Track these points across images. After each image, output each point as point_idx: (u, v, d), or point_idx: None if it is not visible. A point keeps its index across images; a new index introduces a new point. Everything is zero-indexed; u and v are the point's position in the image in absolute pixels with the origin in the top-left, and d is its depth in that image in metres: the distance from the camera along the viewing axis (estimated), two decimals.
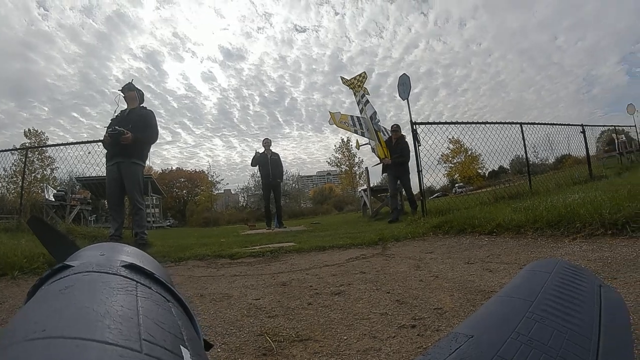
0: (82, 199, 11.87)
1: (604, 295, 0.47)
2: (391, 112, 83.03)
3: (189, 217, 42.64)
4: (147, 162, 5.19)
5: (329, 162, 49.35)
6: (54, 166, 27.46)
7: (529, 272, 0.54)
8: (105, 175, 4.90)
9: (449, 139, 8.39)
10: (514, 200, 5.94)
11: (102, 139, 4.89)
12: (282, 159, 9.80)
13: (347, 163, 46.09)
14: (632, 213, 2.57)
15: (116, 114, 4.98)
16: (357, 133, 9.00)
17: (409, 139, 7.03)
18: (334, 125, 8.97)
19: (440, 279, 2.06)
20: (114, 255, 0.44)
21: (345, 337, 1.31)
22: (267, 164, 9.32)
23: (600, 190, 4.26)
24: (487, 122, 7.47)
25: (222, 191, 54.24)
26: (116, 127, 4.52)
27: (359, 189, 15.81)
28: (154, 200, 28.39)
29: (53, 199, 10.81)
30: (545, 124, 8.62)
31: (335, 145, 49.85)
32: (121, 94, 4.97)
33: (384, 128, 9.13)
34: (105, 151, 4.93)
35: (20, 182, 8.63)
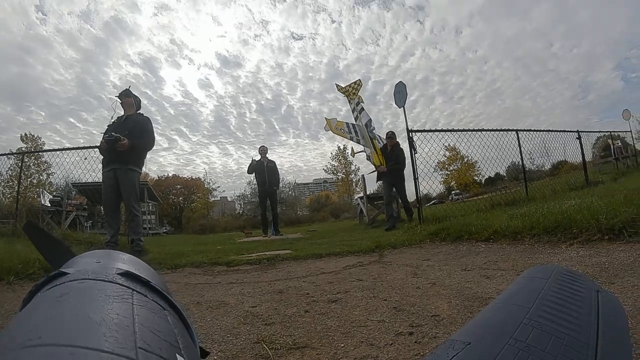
0: (78, 205, 11.80)
1: (602, 300, 0.47)
2: (387, 120, 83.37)
3: (185, 224, 42.48)
4: (144, 169, 5.18)
5: (325, 170, 49.60)
6: (50, 171, 27.35)
7: (526, 279, 0.54)
8: (101, 181, 4.88)
9: (445, 146, 8.45)
10: (511, 206, 5.96)
11: (98, 145, 4.88)
12: (278, 167, 9.83)
13: (344, 171, 46.22)
14: (629, 218, 2.58)
15: (113, 120, 4.97)
16: (352, 140, 9.01)
17: (405, 146, 7.04)
18: (330, 132, 8.97)
19: (437, 286, 2.06)
20: (110, 262, 0.44)
21: (342, 345, 1.30)
22: (264, 171, 9.32)
23: (596, 195, 4.28)
24: (483, 130, 7.51)
25: (219, 198, 54.09)
26: (113, 133, 4.51)
27: (356, 197, 15.81)
28: (150, 207, 28.20)
29: (49, 204, 10.74)
30: (541, 130, 8.68)
31: (331, 153, 50.16)
32: (118, 100, 4.97)
33: (379, 136, 9.14)
34: (102, 157, 4.91)
35: (16, 187, 8.58)
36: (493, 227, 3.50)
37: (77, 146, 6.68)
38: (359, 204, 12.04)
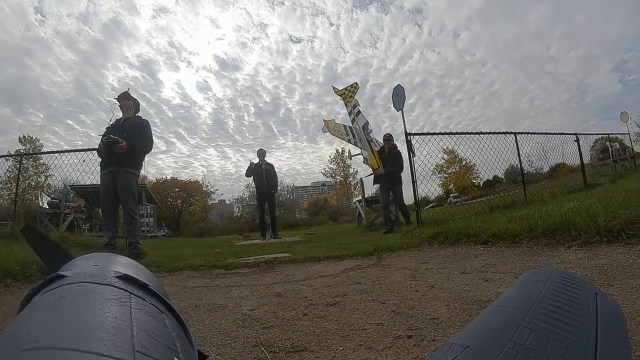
0: (76, 207, 11.80)
1: (600, 303, 0.47)
2: (386, 123, 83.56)
3: (183, 227, 42.39)
4: (142, 172, 5.17)
5: (323, 173, 49.47)
6: (48, 173, 27.33)
7: (524, 282, 0.55)
8: (99, 183, 4.87)
9: (444, 149, 8.43)
10: (509, 209, 5.96)
11: (97, 147, 4.88)
12: (276, 170, 9.82)
13: (342, 174, 46.15)
14: (627, 220, 2.58)
15: (111, 123, 4.96)
16: (350, 142, 9.03)
17: (404, 149, 7.03)
18: (328, 134, 9.00)
19: (436, 289, 2.05)
20: (108, 265, 0.44)
21: (341, 348, 1.30)
22: (262, 174, 9.32)
23: (595, 198, 4.29)
24: (481, 132, 7.53)
25: (217, 201, 54.05)
26: (111, 136, 4.50)
27: (354, 200, 15.82)
28: (148, 210, 28.19)
29: (47, 207, 10.74)
30: (539, 133, 8.71)
31: (330, 156, 50.11)
32: (117, 102, 4.96)
33: (375, 139, 9.15)
34: (100, 160, 4.90)
35: (14, 189, 8.56)
36: (491, 230, 3.51)
37: (75, 148, 6.69)
38: (357, 207, 12.04)
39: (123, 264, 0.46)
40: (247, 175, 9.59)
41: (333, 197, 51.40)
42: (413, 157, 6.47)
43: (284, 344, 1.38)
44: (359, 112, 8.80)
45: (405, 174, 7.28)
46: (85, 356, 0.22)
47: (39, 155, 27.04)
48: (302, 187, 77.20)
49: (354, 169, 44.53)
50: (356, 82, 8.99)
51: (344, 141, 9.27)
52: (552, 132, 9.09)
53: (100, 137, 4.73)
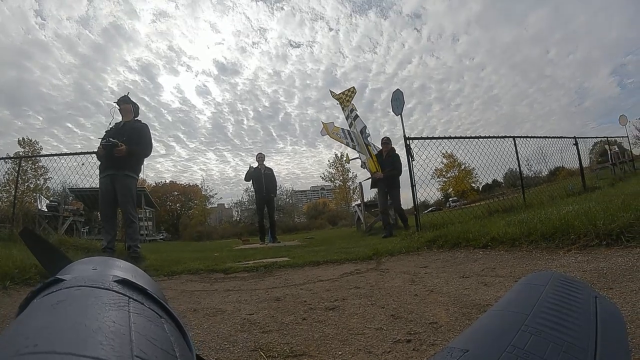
0: (75, 210, 11.78)
1: (600, 306, 0.47)
2: (385, 127, 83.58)
3: (182, 231, 42.31)
4: (141, 175, 5.17)
5: (322, 177, 49.60)
6: (47, 176, 27.34)
7: (524, 285, 0.54)
8: (98, 187, 4.86)
9: (443, 153, 8.43)
10: (508, 213, 5.96)
11: (96, 150, 4.88)
12: (275, 174, 9.82)
13: (341, 178, 46.25)
14: (627, 223, 2.58)
15: (111, 126, 4.97)
16: (349, 146, 9.03)
17: (403, 153, 7.03)
18: (327, 138, 9.03)
19: (435, 293, 2.05)
20: (106, 269, 0.44)
21: (340, 353, 1.30)
22: (261, 178, 9.32)
23: (594, 201, 4.29)
24: (480, 137, 7.54)
25: (216, 205, 54.10)
26: (110, 139, 4.50)
27: (353, 204, 15.80)
28: (147, 214, 28.19)
29: (46, 210, 10.72)
30: (538, 137, 8.73)
31: (329, 161, 50.22)
32: (116, 106, 4.97)
33: (374, 144, 9.15)
34: (99, 163, 4.90)
35: (13, 191, 8.55)
36: (490, 234, 3.51)
37: (74, 151, 6.67)
38: (356, 211, 12.04)
39: (122, 268, 0.46)
40: (246, 179, 9.59)
41: (332, 201, 51.43)
42: (412, 161, 6.47)
43: (282, 348, 1.37)
44: (357, 116, 8.82)
45: (405, 178, 7.28)
46: None
47: (38, 158, 27.20)
48: (301, 191, 77.19)
49: (353, 173, 44.64)
50: (353, 87, 9.01)
51: (343, 144, 9.28)
52: (551, 135, 9.11)
53: (100, 140, 4.73)
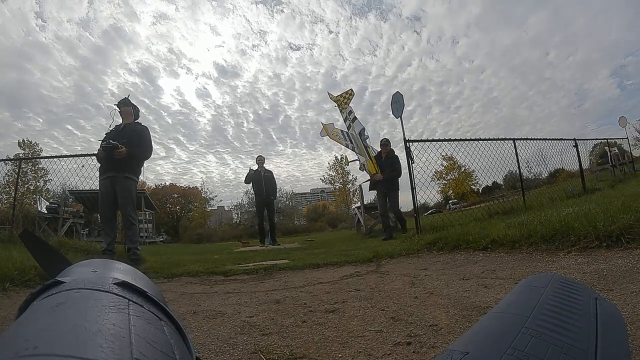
0: (74, 212, 11.79)
1: (600, 308, 0.47)
2: (385, 130, 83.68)
3: (182, 233, 42.25)
4: (141, 177, 5.17)
5: (322, 180, 49.55)
6: (47, 178, 27.30)
7: (524, 287, 0.54)
8: (98, 189, 4.86)
9: (443, 155, 8.43)
10: (508, 215, 5.96)
11: (96, 152, 4.88)
12: (275, 177, 9.82)
13: (341, 180, 46.20)
14: (627, 224, 2.58)
15: (111, 129, 4.97)
16: (348, 147, 9.02)
17: (402, 156, 7.02)
18: (326, 140, 9.05)
19: (435, 295, 2.05)
20: (106, 272, 0.44)
21: (340, 355, 1.29)
22: (261, 181, 9.31)
23: (594, 203, 4.28)
24: (480, 139, 7.54)
25: (216, 208, 54.01)
26: (110, 141, 4.51)
27: (353, 207, 15.81)
28: (147, 216, 28.13)
29: (45, 211, 10.72)
30: (538, 139, 8.72)
31: (328, 163, 50.28)
32: (117, 108, 4.97)
33: (372, 147, 9.13)
34: (99, 165, 4.90)
35: (13, 193, 8.56)
36: (490, 236, 3.50)
37: (74, 153, 6.67)
38: (356, 213, 12.03)
39: (122, 271, 0.46)
40: (246, 181, 9.59)
41: (332, 203, 51.39)
42: (412, 163, 6.47)
43: (282, 351, 1.37)
44: (355, 118, 8.81)
45: (405, 181, 7.26)
46: None
47: (38, 160, 27.13)
48: (301, 193, 77.28)
49: (352, 175, 44.60)
50: (351, 89, 9.00)
51: (342, 146, 9.27)
52: (551, 137, 9.11)
53: (100, 142, 4.73)
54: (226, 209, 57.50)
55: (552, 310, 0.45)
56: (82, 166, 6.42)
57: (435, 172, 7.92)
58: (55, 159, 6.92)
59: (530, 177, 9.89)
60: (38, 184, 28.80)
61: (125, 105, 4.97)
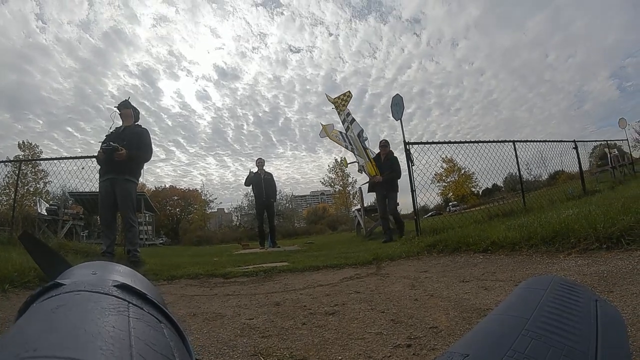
0: (74, 214, 11.79)
1: (600, 310, 0.47)
2: (385, 133, 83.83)
3: (182, 236, 42.19)
4: (141, 179, 5.17)
5: (322, 182, 49.43)
6: (47, 180, 27.32)
7: (524, 290, 0.54)
8: (98, 191, 4.86)
9: (442, 158, 8.42)
10: (508, 217, 5.96)
11: (96, 154, 4.88)
12: (275, 179, 9.82)
13: (341, 183, 46.13)
14: (627, 226, 2.58)
15: (111, 131, 4.98)
16: (347, 149, 9.00)
17: (402, 158, 7.00)
18: (326, 141, 9.04)
19: (435, 297, 2.05)
20: (106, 274, 0.44)
21: (340, 358, 1.29)
22: (261, 183, 9.31)
23: (594, 204, 4.28)
24: (480, 141, 7.57)
25: (216, 210, 53.97)
26: (111, 143, 4.51)
27: (353, 209, 15.80)
28: (147, 218, 28.13)
29: (45, 213, 10.72)
30: (537, 141, 8.75)
31: (328, 166, 50.10)
32: (117, 111, 4.98)
33: (370, 149, 9.10)
34: (99, 167, 4.90)
35: (12, 195, 8.57)
36: (490, 239, 3.50)
37: (74, 155, 6.69)
38: (356, 216, 12.03)
39: (121, 273, 0.46)
40: (246, 184, 9.59)
41: (332, 206, 51.29)
42: (412, 166, 6.46)
43: (282, 353, 1.37)
44: (353, 120, 8.78)
45: (405, 183, 7.24)
46: None
47: (38, 162, 27.13)
48: (301, 196, 77.23)
49: (352, 178, 44.54)
50: (349, 91, 8.97)
51: (342, 147, 9.25)
52: (551, 139, 9.13)
53: (100, 144, 4.74)
54: (226, 211, 57.48)
55: (552, 312, 0.45)
56: (82, 168, 6.43)
57: (435, 174, 7.92)
58: (55, 161, 6.93)
59: (530, 179, 9.90)
60: (38, 185, 28.80)
61: (126, 108, 4.98)
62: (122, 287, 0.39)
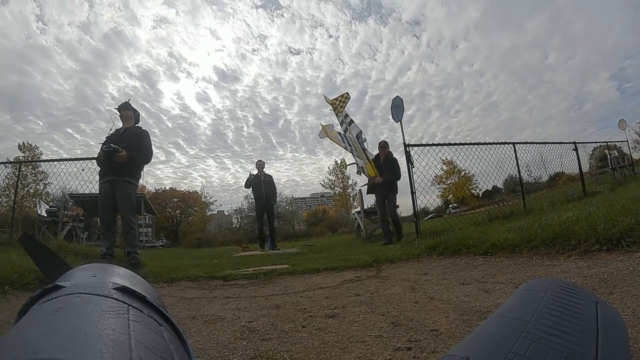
0: (74, 216, 11.75)
1: (601, 312, 0.46)
2: (385, 134, 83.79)
3: (181, 238, 42.18)
4: (141, 181, 5.17)
5: (322, 184, 49.50)
6: (47, 181, 27.31)
7: (524, 292, 0.54)
8: (98, 192, 4.86)
9: (443, 160, 8.41)
10: (508, 219, 5.94)
11: (96, 156, 4.88)
12: (275, 181, 9.81)
13: (341, 185, 46.16)
14: (627, 228, 2.58)
15: (111, 132, 4.98)
16: (347, 150, 8.99)
17: (402, 160, 7.00)
18: (326, 144, 9.03)
19: (435, 300, 2.04)
20: (106, 276, 0.44)
21: None
22: (261, 185, 9.30)
23: (594, 206, 4.28)
24: (480, 143, 7.55)
25: (216, 212, 54.01)
26: (111, 145, 4.51)
27: (353, 211, 15.78)
28: (147, 220, 28.14)
29: (45, 215, 10.71)
30: (537, 143, 8.74)
31: (328, 168, 50.13)
32: (117, 112, 4.98)
33: (371, 153, 9.08)
34: (99, 168, 4.91)
35: (12, 196, 8.58)
36: (491, 241, 3.50)
37: (74, 157, 6.68)
38: (356, 218, 12.02)
39: (121, 276, 0.46)
40: (246, 186, 9.59)
41: (332, 208, 51.31)
42: (412, 168, 6.46)
43: (282, 356, 1.36)
44: (352, 121, 8.75)
45: (404, 185, 7.23)
46: None
47: (38, 163, 27.13)
48: (301, 198, 77.20)
49: (352, 180, 44.52)
50: (347, 93, 8.91)
51: (342, 148, 9.23)
52: (551, 141, 9.12)
53: (100, 146, 4.74)
54: (226, 213, 57.50)
55: (552, 315, 0.45)
56: (82, 170, 6.43)
57: (435, 176, 7.91)
58: (55, 163, 6.94)
59: (530, 180, 9.91)
60: (38, 187, 28.81)
61: (126, 109, 4.98)
62: (122, 289, 0.39)
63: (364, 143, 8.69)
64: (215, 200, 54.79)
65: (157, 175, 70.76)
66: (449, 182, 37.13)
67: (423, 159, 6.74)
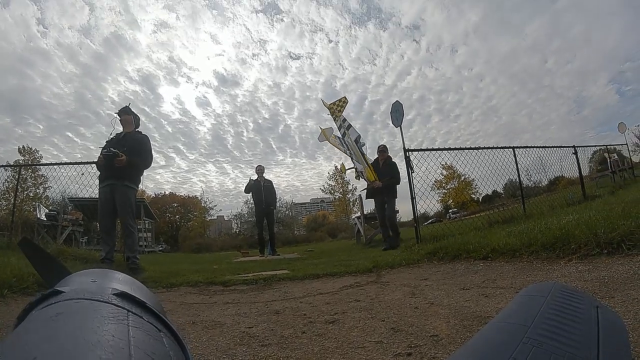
0: (74, 220, 11.73)
1: (602, 316, 0.46)
2: (384, 139, 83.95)
3: (181, 243, 42.03)
4: (140, 186, 5.17)
5: (322, 190, 49.33)
6: (46, 185, 27.28)
7: (524, 297, 0.54)
8: (97, 196, 4.86)
9: (442, 164, 8.40)
10: (508, 224, 5.94)
11: (96, 160, 4.89)
12: (275, 186, 9.81)
13: (341, 190, 46.06)
14: (627, 231, 2.57)
15: (111, 137, 4.99)
16: (346, 154, 8.98)
17: (402, 165, 6.99)
18: (326, 148, 9.02)
19: (435, 305, 2.04)
20: (106, 282, 0.44)
21: None
22: (260, 190, 9.30)
23: (594, 210, 4.27)
24: (479, 147, 7.56)
25: (215, 217, 53.87)
26: (111, 149, 4.52)
27: (353, 217, 15.76)
28: (147, 225, 28.04)
29: (45, 219, 10.69)
30: (537, 147, 8.73)
31: (328, 173, 50.07)
32: (117, 116, 4.99)
33: (370, 158, 9.07)
34: (99, 173, 4.91)
35: (12, 200, 8.59)
36: (491, 245, 3.49)
37: (74, 161, 6.69)
38: (356, 223, 12.01)
39: (121, 281, 0.46)
40: (246, 191, 9.58)
41: (332, 213, 51.19)
42: (412, 173, 6.46)
43: None
44: (350, 125, 8.75)
45: (404, 190, 7.22)
46: None
47: (37, 167, 27.13)
48: (301, 203, 77.27)
49: (352, 185, 44.50)
50: (345, 97, 8.90)
51: (341, 151, 9.21)
52: (550, 145, 9.12)
53: (100, 150, 4.74)
54: (226, 218, 57.43)
55: (553, 319, 0.45)
56: (82, 174, 6.44)
57: (435, 181, 7.90)
58: (55, 166, 6.94)
59: (530, 185, 9.89)
60: (37, 191, 28.75)
61: (126, 114, 5.00)
62: (122, 295, 0.39)
63: (363, 147, 8.69)
64: (215, 205, 54.73)
65: (156, 180, 70.92)
66: (448, 186, 37.10)
67: (423, 163, 6.75)
